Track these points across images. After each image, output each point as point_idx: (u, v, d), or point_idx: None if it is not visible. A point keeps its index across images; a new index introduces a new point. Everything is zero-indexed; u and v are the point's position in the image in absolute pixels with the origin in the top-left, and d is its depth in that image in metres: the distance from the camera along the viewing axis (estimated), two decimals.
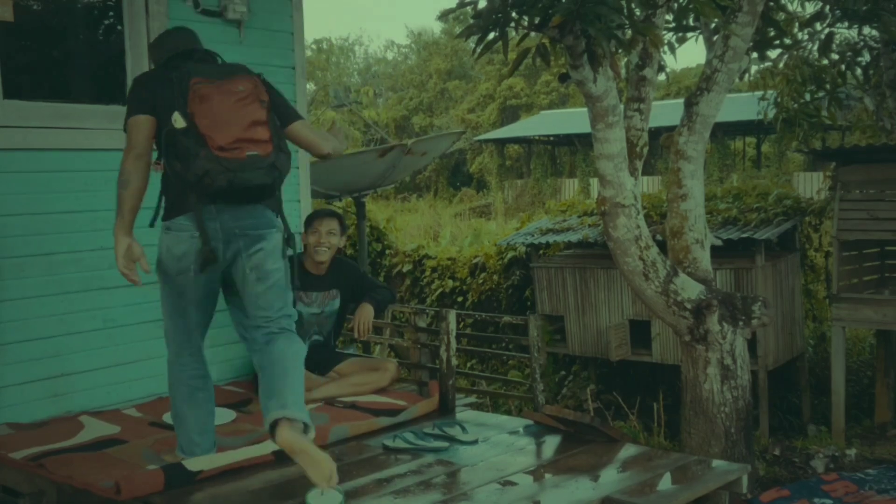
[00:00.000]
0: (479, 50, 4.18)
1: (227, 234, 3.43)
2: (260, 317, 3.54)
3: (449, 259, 11.79)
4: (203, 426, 3.64)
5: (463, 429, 4.20)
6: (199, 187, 3.32)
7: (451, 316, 4.65)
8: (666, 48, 5.31)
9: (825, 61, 7.91)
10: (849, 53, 7.91)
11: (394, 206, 25.70)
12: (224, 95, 3.33)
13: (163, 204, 3.51)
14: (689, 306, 4.84)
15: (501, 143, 29.49)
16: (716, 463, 3.88)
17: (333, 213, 4.97)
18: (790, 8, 7.20)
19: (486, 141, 29.65)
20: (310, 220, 4.93)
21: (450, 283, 11.50)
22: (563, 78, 4.37)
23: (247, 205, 3.45)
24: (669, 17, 5.36)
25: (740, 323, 4.88)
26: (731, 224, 8.61)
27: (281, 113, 3.53)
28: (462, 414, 4.62)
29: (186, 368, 3.61)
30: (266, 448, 3.76)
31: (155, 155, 3.48)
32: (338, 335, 5.14)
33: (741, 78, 5.98)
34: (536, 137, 27.91)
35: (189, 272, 3.48)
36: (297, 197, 5.45)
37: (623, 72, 5.22)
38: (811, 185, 19.67)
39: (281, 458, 3.76)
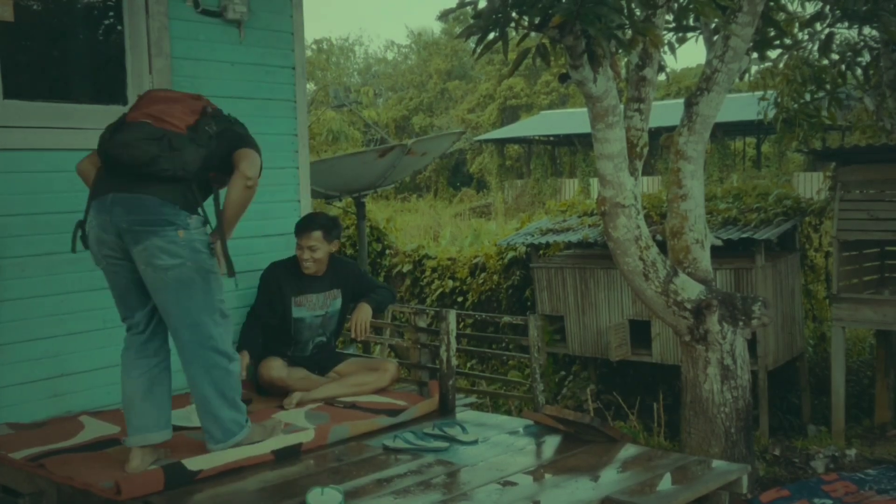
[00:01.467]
0: (479, 50, 4.18)
1: (117, 228, 3.45)
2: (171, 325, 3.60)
3: (449, 259, 11.79)
4: (150, 415, 3.63)
5: (463, 429, 4.20)
6: (101, 160, 3.53)
7: (451, 316, 4.65)
8: (666, 48, 5.31)
9: (825, 61, 7.90)
10: (849, 53, 7.90)
11: (394, 206, 25.72)
12: (155, 97, 3.63)
13: None
14: (689, 306, 4.84)
15: (501, 143, 29.50)
16: (716, 463, 3.88)
17: (317, 225, 4.81)
18: (790, 8, 7.19)
19: (486, 141, 29.66)
20: (295, 231, 4.86)
21: (450, 283, 11.50)
22: (563, 78, 4.37)
23: (141, 194, 3.44)
24: (669, 17, 5.36)
25: (740, 323, 4.87)
26: (731, 224, 8.61)
27: (231, 139, 3.62)
28: (462, 414, 4.63)
29: (128, 349, 3.68)
30: (266, 448, 3.77)
31: None
32: (338, 335, 5.14)
33: (741, 78, 5.98)
34: (536, 137, 27.91)
35: (100, 262, 3.57)
36: (297, 197, 5.44)
37: (623, 72, 5.22)
38: (811, 185, 19.68)
39: (281, 458, 3.77)
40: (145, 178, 3.46)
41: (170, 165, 3.44)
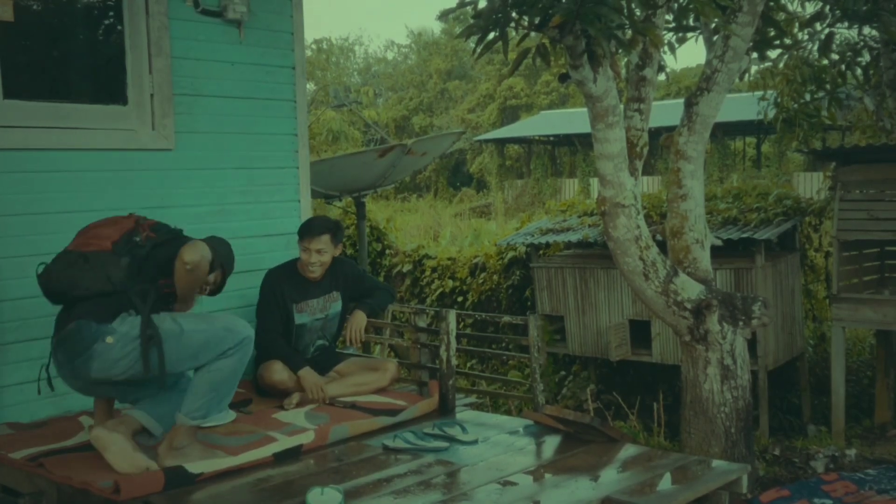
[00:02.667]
0: (479, 50, 4.18)
1: (64, 372, 3.57)
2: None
3: (449, 259, 11.78)
4: None
5: (463, 429, 4.20)
6: None
7: (451, 316, 4.65)
8: (666, 48, 5.31)
9: (825, 61, 7.90)
10: (849, 53, 7.90)
11: (394, 206, 25.73)
12: (92, 225, 3.70)
13: None
14: (689, 306, 4.84)
15: (501, 143, 29.51)
16: (716, 463, 3.88)
17: (325, 228, 4.77)
18: (790, 8, 7.20)
19: (486, 141, 29.67)
20: (301, 233, 4.82)
21: (450, 283, 11.50)
22: (563, 78, 4.36)
23: (67, 325, 3.48)
24: (669, 17, 5.36)
25: (740, 323, 4.87)
26: (731, 224, 8.61)
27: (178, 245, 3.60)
28: (462, 414, 4.63)
29: None
30: (266, 452, 3.77)
31: None
32: (338, 336, 5.14)
33: (741, 78, 5.97)
34: (536, 137, 27.93)
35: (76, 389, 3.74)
36: (297, 197, 5.44)
37: (623, 72, 5.22)
38: (811, 185, 19.68)
39: (281, 458, 3.77)
40: (76, 303, 3.50)
41: (91, 283, 3.47)
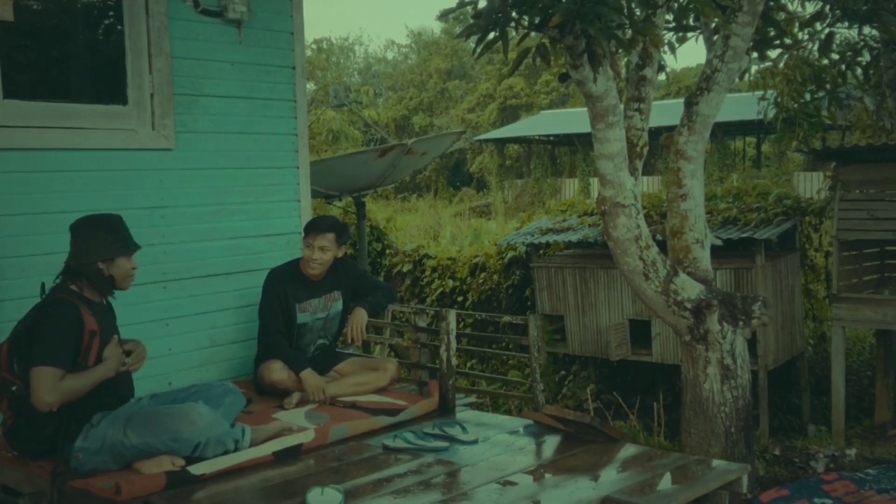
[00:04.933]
0: (479, 50, 4.18)
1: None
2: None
3: (449, 259, 11.78)
4: None
5: (463, 429, 4.20)
6: None
7: (451, 316, 4.65)
8: (666, 48, 5.31)
9: (825, 61, 7.90)
10: (849, 53, 7.89)
11: (394, 205, 25.71)
12: None
13: None
14: (689, 306, 4.84)
15: (501, 142, 29.50)
16: (716, 463, 3.88)
17: (331, 227, 4.77)
18: (790, 8, 7.18)
19: (486, 141, 29.66)
20: (307, 230, 4.84)
21: (450, 282, 11.50)
22: (563, 78, 4.36)
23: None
24: (669, 16, 5.36)
25: (740, 323, 4.87)
26: (731, 224, 8.61)
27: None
28: (462, 414, 4.62)
29: None
30: (266, 449, 3.76)
31: None
32: (339, 335, 5.14)
33: (741, 78, 5.97)
34: (536, 137, 27.92)
35: None
36: (297, 197, 5.44)
37: (623, 72, 5.22)
38: (811, 185, 19.68)
39: (281, 457, 3.77)
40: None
41: (34, 443, 3.62)
